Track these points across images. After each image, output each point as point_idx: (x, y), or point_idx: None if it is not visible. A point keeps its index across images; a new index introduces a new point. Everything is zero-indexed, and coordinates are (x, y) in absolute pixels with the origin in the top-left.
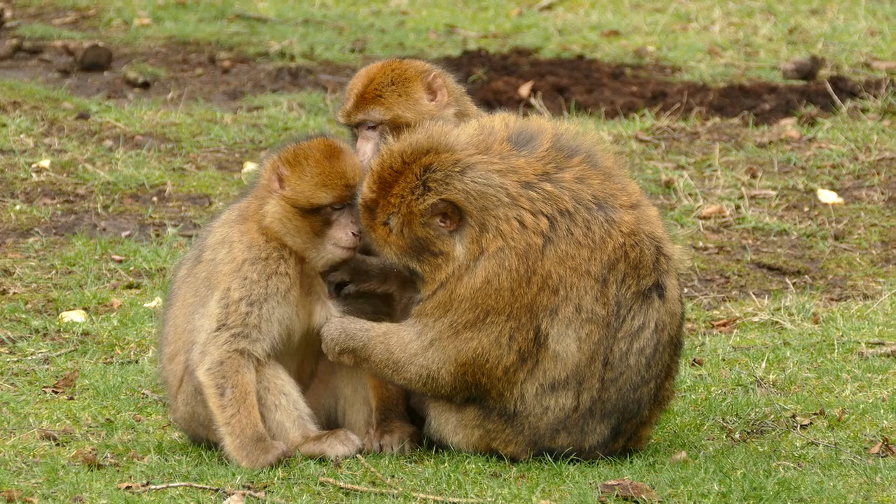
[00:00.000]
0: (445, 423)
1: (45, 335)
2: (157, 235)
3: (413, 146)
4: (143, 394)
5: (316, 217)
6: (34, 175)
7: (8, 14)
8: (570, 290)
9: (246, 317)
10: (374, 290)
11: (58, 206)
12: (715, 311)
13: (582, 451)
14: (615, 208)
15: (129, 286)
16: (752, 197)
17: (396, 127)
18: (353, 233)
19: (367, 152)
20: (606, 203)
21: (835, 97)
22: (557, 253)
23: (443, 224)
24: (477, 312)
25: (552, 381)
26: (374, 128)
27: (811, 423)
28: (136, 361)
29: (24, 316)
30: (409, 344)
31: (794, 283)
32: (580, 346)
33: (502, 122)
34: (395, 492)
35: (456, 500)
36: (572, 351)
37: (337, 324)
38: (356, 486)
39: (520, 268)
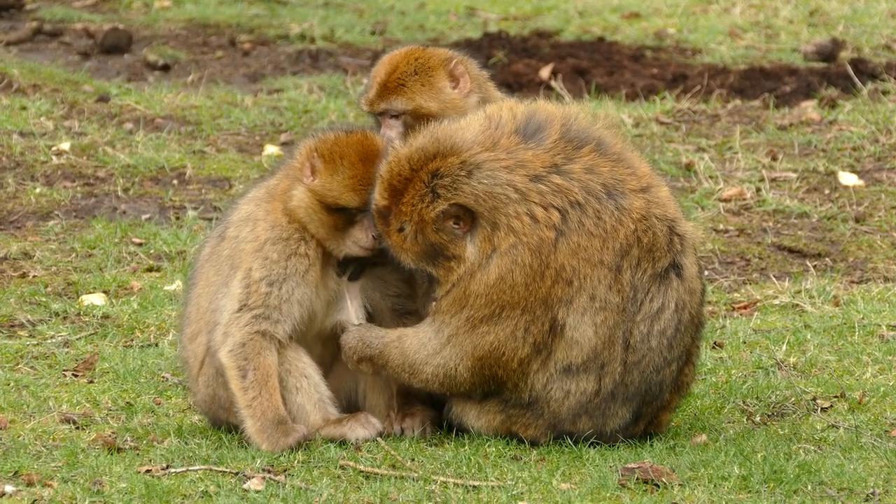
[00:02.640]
0: (469, 409)
1: (64, 318)
2: (177, 218)
3: (419, 151)
4: (163, 377)
5: (340, 215)
6: (54, 158)
7: None
8: (583, 281)
9: (266, 297)
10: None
11: (78, 189)
12: (735, 294)
13: (603, 435)
14: (625, 194)
15: (149, 269)
16: (773, 179)
17: (421, 117)
18: (373, 235)
19: (390, 140)
20: (616, 190)
21: (855, 79)
22: (570, 245)
23: (457, 226)
24: (492, 308)
25: (569, 366)
26: (397, 116)
27: (832, 405)
28: (156, 345)
29: (43, 299)
30: (426, 343)
31: (814, 266)
32: (596, 331)
33: (510, 112)
34: (415, 475)
35: (476, 483)
36: (589, 335)
37: (354, 333)
38: (376, 470)
39: (533, 263)
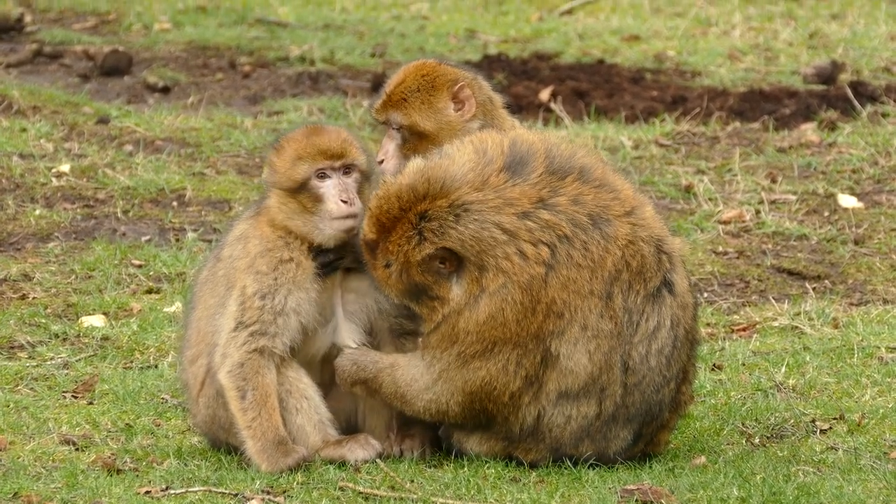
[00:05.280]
0: (469, 435)
1: (64, 340)
2: (177, 240)
3: (409, 190)
4: (163, 398)
5: (305, 195)
6: (54, 180)
7: (28, 19)
8: (574, 313)
9: (261, 312)
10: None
11: (78, 210)
12: (735, 316)
13: (604, 458)
14: (610, 221)
15: (149, 291)
16: (773, 201)
17: (416, 133)
18: (342, 200)
19: (388, 151)
20: (601, 218)
21: (855, 102)
22: (560, 279)
23: (442, 265)
24: (484, 344)
25: (566, 393)
26: (397, 128)
27: (831, 427)
28: (156, 366)
29: (43, 321)
30: (417, 379)
31: (813, 288)
32: (591, 358)
33: (498, 147)
34: (415, 496)
35: None
36: (584, 363)
37: (349, 356)
38: (375, 491)
39: (524, 299)
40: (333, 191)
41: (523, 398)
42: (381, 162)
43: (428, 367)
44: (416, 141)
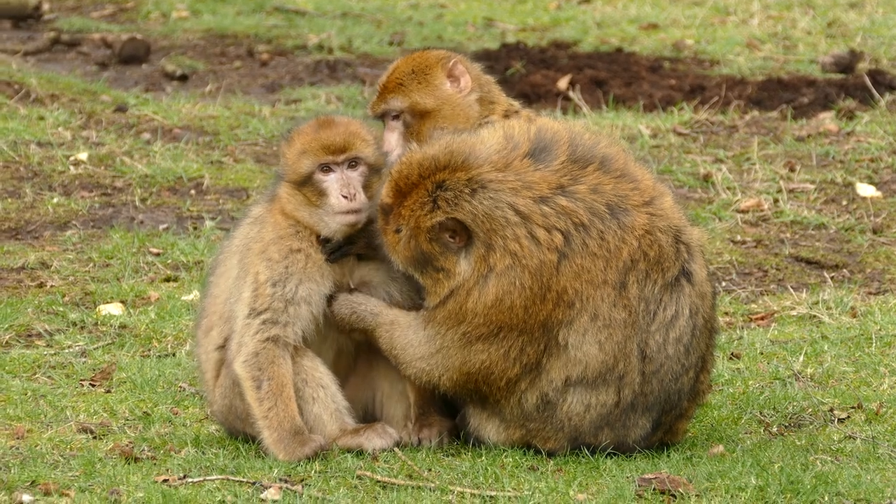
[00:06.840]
0: (487, 422)
1: (82, 328)
2: (195, 228)
3: (431, 159)
4: (181, 387)
5: (310, 189)
6: (72, 168)
7: (46, 7)
8: (585, 302)
9: (272, 299)
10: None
11: (95, 198)
12: (753, 305)
13: (623, 446)
14: (628, 211)
15: (167, 279)
16: (791, 190)
17: (418, 114)
18: (343, 195)
19: (391, 142)
20: (619, 208)
21: (873, 91)
22: (573, 268)
23: (452, 239)
24: (490, 327)
25: (579, 380)
26: (397, 117)
27: (849, 416)
28: (174, 354)
29: (61, 309)
30: (415, 346)
31: (832, 277)
32: (602, 347)
33: (524, 133)
34: (432, 485)
35: (493, 493)
36: (594, 353)
37: (348, 304)
38: (393, 480)
39: (533, 286)
40: (336, 185)
41: (520, 384)
42: (386, 154)
43: (429, 339)
44: (418, 123)
